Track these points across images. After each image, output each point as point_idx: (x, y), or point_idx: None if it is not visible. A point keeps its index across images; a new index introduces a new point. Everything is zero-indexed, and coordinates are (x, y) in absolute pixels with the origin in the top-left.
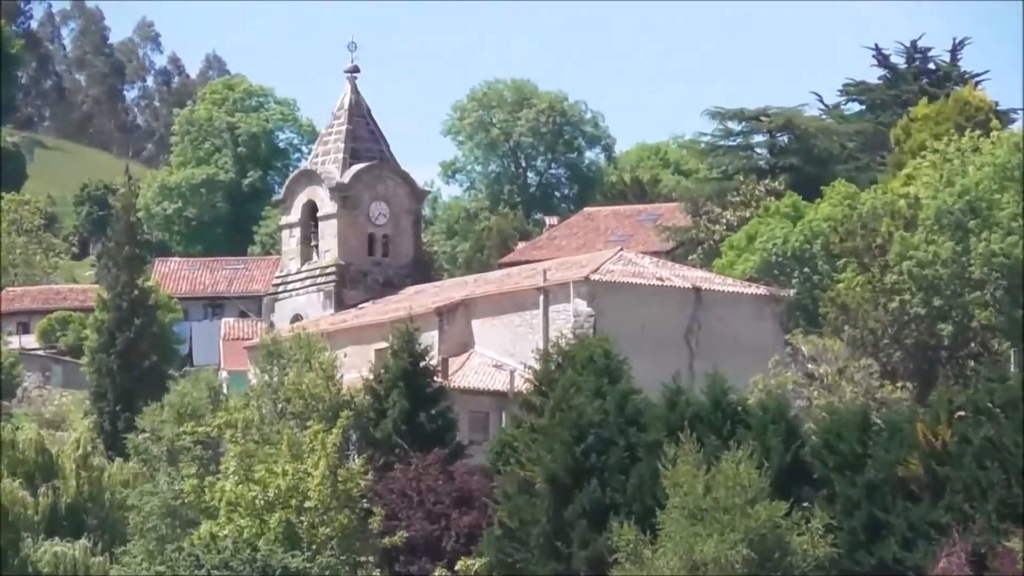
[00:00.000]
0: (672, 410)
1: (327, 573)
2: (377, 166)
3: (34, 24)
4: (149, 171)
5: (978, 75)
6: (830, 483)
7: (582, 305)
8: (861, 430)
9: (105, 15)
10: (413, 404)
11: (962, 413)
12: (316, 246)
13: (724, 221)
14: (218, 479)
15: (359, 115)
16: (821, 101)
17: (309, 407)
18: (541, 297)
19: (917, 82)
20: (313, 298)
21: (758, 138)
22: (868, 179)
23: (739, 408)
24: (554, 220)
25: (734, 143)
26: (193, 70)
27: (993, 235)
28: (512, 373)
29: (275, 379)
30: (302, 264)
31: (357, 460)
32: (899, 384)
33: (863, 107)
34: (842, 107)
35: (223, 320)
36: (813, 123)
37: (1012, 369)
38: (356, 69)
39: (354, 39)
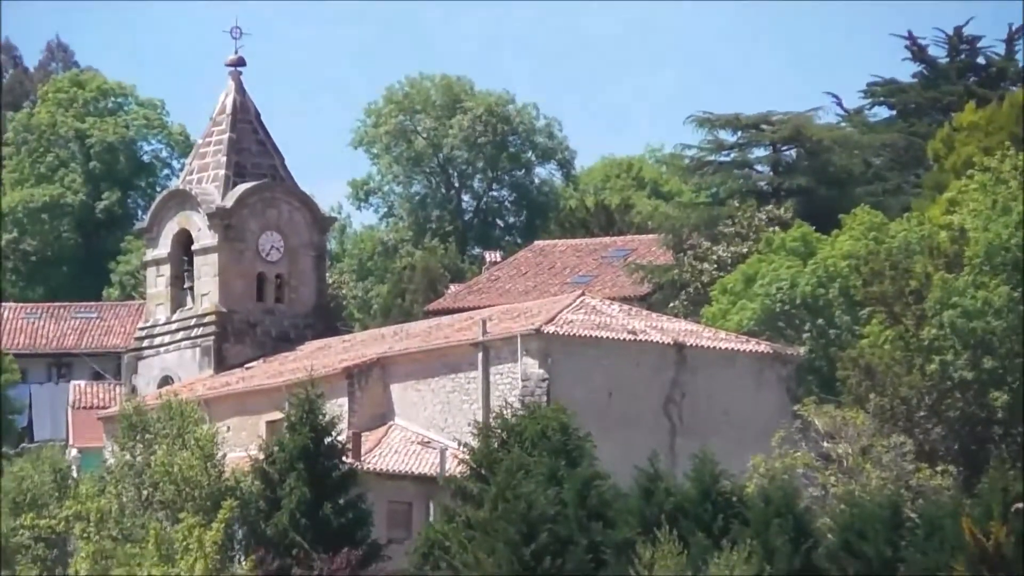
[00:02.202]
0: (648, 501)
1: None
2: (268, 186)
3: None
4: None
5: None
6: None
7: (532, 365)
8: (891, 527)
9: None
10: (316, 492)
11: (1020, 505)
12: (191, 288)
13: (715, 258)
14: None
15: (245, 121)
16: (839, 104)
17: (182, 495)
18: (480, 355)
19: (962, 81)
20: (187, 355)
21: (758, 152)
22: (899, 205)
23: (734, 498)
24: (496, 256)
25: (727, 158)
26: (31, 62)
27: None
28: (443, 452)
29: (139, 459)
30: (173, 312)
31: (244, 563)
32: (939, 468)
33: (893, 112)
34: (866, 112)
35: (72, 383)
36: (829, 133)
37: None
38: (241, 62)
39: (238, 23)
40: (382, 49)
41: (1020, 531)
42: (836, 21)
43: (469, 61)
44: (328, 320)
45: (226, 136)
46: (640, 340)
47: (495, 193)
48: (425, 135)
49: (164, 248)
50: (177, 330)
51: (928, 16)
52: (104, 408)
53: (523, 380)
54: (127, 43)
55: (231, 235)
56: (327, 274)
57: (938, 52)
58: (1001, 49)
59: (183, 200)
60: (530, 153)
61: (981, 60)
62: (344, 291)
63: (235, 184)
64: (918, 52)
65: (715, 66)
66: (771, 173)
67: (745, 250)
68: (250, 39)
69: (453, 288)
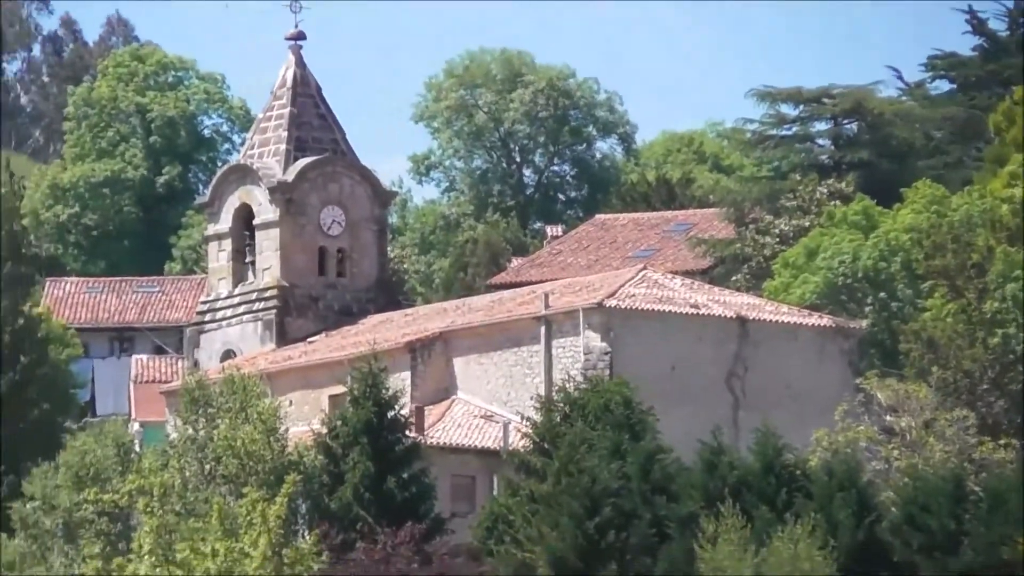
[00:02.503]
0: (711, 474)
1: None
2: (329, 160)
3: None
4: (37, 166)
5: None
6: (914, 569)
7: (595, 339)
8: (954, 501)
9: None
10: (379, 466)
11: None
12: (252, 263)
13: (777, 232)
14: (129, 560)
15: (306, 95)
16: (900, 78)
17: (245, 469)
18: (542, 329)
19: (1023, 54)
20: (248, 329)
21: (819, 126)
22: (960, 178)
23: (797, 472)
24: (558, 230)
25: (788, 132)
26: (91, 36)
27: None
28: (506, 426)
29: (201, 433)
30: (234, 286)
31: (307, 537)
32: (1002, 441)
33: (953, 86)
34: (927, 86)
35: (134, 357)
36: (890, 106)
37: None
38: (301, 35)
39: None
40: (442, 23)
41: None
42: None
43: (529, 35)
44: (390, 294)
45: (287, 110)
46: (702, 314)
47: (556, 167)
48: (486, 109)
49: (225, 222)
50: (239, 304)
51: None
52: (166, 382)
53: (585, 354)
54: (187, 17)
55: (292, 209)
56: (389, 248)
57: (998, 25)
58: None
59: (244, 174)
60: (591, 127)
61: None
62: (406, 265)
63: (296, 158)
64: (978, 25)
65: (776, 40)
66: (832, 147)
67: (807, 224)
68: (310, 13)
69: (515, 262)
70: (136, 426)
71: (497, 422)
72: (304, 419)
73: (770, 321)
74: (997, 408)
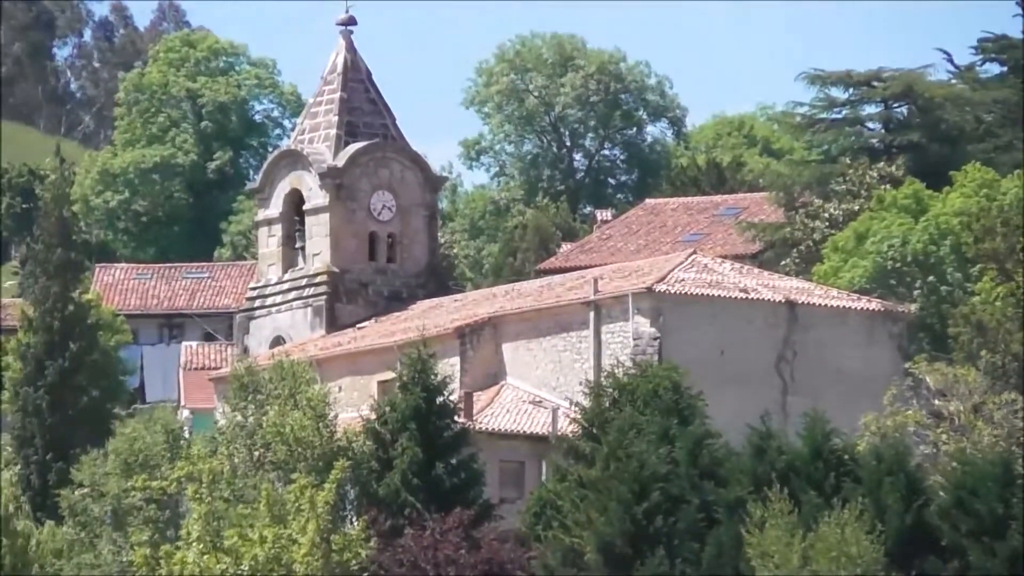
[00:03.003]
0: (760, 459)
1: None
2: (380, 146)
3: None
4: (87, 152)
5: None
6: (963, 553)
7: (644, 324)
8: (1003, 485)
9: None
10: (428, 452)
11: None
12: (302, 248)
13: (827, 216)
14: (178, 547)
15: (356, 80)
16: (951, 61)
17: (294, 455)
18: (591, 314)
19: None
20: (299, 315)
21: (870, 109)
22: (1011, 162)
23: (845, 456)
24: (607, 215)
25: (839, 116)
26: (143, 22)
27: None
28: (554, 411)
29: (250, 419)
30: (284, 272)
31: (356, 523)
32: None
33: (1004, 69)
34: (977, 69)
35: (183, 344)
36: (940, 90)
37: None
38: (352, 21)
39: None
40: (493, 7)
41: None
42: None
43: (580, 19)
44: (440, 279)
45: (337, 95)
46: (752, 298)
47: (607, 152)
48: (536, 94)
49: (276, 208)
50: (289, 290)
51: None
52: (216, 369)
53: (635, 339)
54: (238, 3)
55: (343, 195)
56: (439, 233)
57: None
58: None
59: (295, 160)
60: (641, 111)
61: None
62: (456, 250)
63: (347, 144)
64: None
65: (827, 23)
66: (883, 130)
67: (857, 207)
68: None
69: (565, 247)
70: (185, 413)
71: (546, 407)
72: (353, 405)
73: (819, 305)
74: None
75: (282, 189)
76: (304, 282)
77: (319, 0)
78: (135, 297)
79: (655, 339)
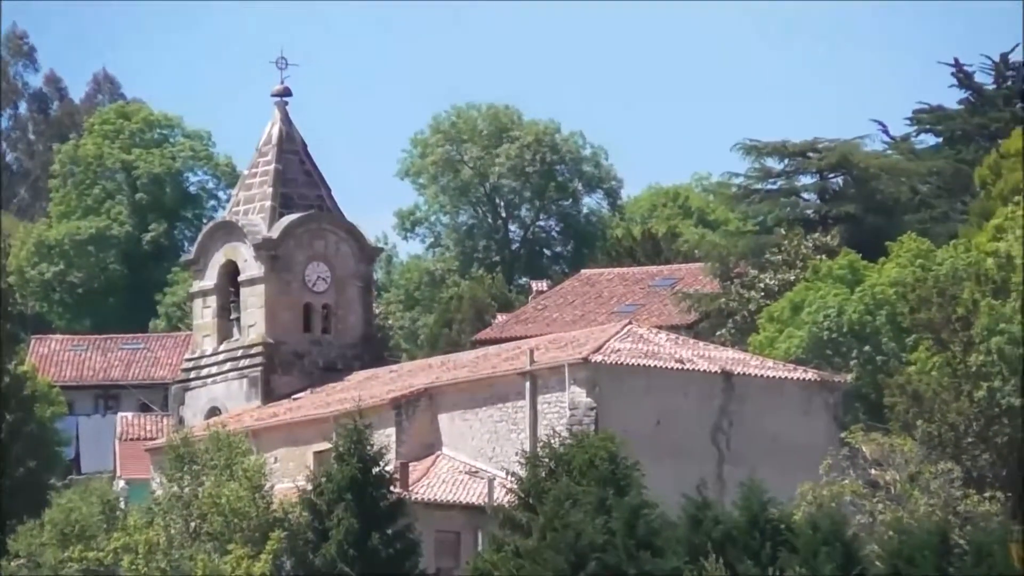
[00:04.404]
0: (696, 529)
1: None
2: (315, 217)
3: None
4: (22, 224)
5: None
6: None
7: (580, 394)
8: (939, 554)
9: None
10: (364, 522)
11: None
12: (237, 319)
13: (762, 287)
14: None
15: (291, 151)
16: (886, 132)
17: (231, 526)
18: (527, 384)
19: (1009, 107)
20: (234, 386)
21: (805, 180)
22: (946, 232)
23: (782, 526)
24: (543, 285)
25: (774, 186)
26: (77, 93)
27: None
28: (491, 482)
29: (187, 490)
30: (220, 343)
31: None
32: (987, 494)
33: (939, 139)
34: (913, 140)
35: (119, 415)
36: (875, 160)
37: None
38: (287, 92)
39: (283, 54)
40: (429, 79)
41: None
42: (882, 48)
43: (516, 90)
44: (375, 350)
45: (272, 167)
46: (688, 369)
47: (542, 223)
48: (472, 165)
49: (211, 279)
50: (224, 361)
51: (974, 43)
52: (151, 440)
53: (571, 409)
54: (174, 74)
55: (278, 266)
56: (374, 304)
57: (984, 79)
58: None
59: (230, 231)
60: (577, 182)
61: None
62: (391, 321)
63: (282, 215)
64: (964, 79)
65: (762, 93)
66: (818, 201)
67: (792, 278)
68: (296, 69)
69: (500, 318)
70: (121, 483)
71: (482, 478)
72: (289, 476)
73: (755, 376)
74: (982, 461)
75: (217, 260)
76: (240, 353)
77: (254, 71)
78: (71, 368)
79: (591, 409)
